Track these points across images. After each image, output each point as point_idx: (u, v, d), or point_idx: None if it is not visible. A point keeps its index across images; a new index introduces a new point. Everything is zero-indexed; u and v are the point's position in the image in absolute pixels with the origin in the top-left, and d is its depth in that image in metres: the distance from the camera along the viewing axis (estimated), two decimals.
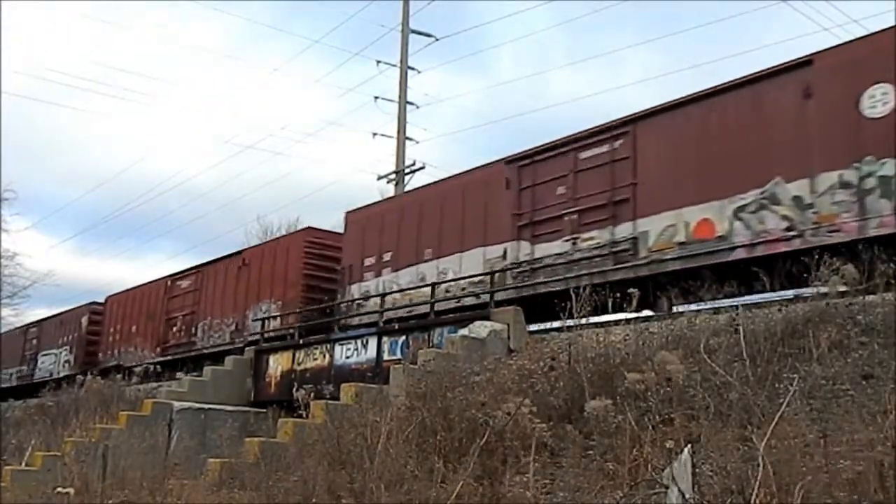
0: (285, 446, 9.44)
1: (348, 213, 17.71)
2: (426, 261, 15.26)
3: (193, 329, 21.24)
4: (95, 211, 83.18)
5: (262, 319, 17.74)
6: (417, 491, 6.71)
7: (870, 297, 8.20)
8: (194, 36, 63.65)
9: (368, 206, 17.75)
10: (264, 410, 14.66)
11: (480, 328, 11.17)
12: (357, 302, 16.43)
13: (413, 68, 24.54)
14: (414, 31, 24.62)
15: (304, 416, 9.80)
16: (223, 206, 55.18)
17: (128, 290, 25.52)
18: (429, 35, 24.80)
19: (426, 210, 15.62)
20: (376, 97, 24.90)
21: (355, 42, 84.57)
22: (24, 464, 12.79)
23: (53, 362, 28.26)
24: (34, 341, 30.19)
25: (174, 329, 22.17)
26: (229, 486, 8.86)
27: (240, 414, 14.99)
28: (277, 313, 17.99)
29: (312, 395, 10.00)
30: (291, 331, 16.30)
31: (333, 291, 17.59)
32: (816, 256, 8.40)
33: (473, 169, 15.27)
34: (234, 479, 9.03)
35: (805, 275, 8.58)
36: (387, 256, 16.13)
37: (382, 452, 7.25)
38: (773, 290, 9.55)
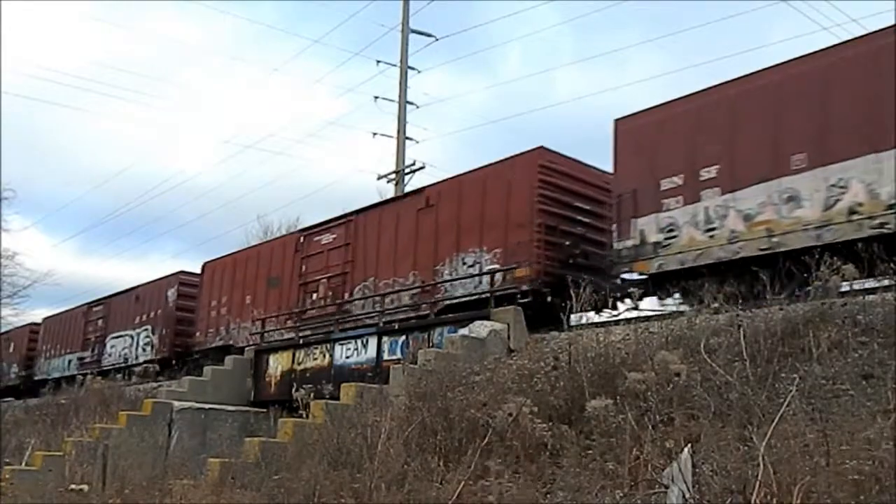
0: (285, 446, 9.43)
1: (617, 120, 12.71)
2: (798, 171, 10.36)
3: (346, 293, 16.45)
4: (96, 210, 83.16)
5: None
6: (418, 490, 6.72)
7: (870, 297, 8.20)
8: (194, 36, 63.68)
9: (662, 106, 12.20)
10: (264, 410, 14.68)
11: (480, 328, 11.18)
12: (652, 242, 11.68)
13: (413, 68, 24.53)
14: (414, 31, 24.60)
15: (305, 416, 9.81)
16: (224, 206, 55.02)
17: (232, 254, 21.42)
18: (429, 35, 24.79)
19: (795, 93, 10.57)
20: (376, 97, 24.87)
21: (356, 42, 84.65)
22: (24, 463, 12.79)
23: (129, 346, 24.12)
24: (100, 322, 25.90)
25: (315, 295, 17.33)
26: (229, 486, 8.85)
27: (240, 414, 15.01)
28: (498, 267, 13.20)
29: (312, 395, 10.02)
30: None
31: (574, 235, 13.41)
32: None
33: None
34: (234, 479, 9.02)
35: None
36: (708, 172, 11.22)
37: (382, 452, 7.25)
38: None
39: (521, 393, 7.89)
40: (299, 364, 15.10)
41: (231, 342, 19.30)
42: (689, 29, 37.44)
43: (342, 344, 14.23)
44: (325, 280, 17.16)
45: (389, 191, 24.01)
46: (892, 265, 8.18)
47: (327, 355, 14.47)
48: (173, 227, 70.57)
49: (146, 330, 23.34)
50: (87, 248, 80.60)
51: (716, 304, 9.09)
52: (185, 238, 71.73)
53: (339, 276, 16.78)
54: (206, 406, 14.78)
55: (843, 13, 45.42)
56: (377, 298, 14.96)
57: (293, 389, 11.18)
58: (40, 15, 61.68)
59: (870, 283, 8.73)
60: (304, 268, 17.85)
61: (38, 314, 31.91)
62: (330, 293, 16.95)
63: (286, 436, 9.82)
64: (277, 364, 15.67)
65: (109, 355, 24.83)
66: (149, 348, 22.82)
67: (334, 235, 17.38)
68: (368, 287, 15.95)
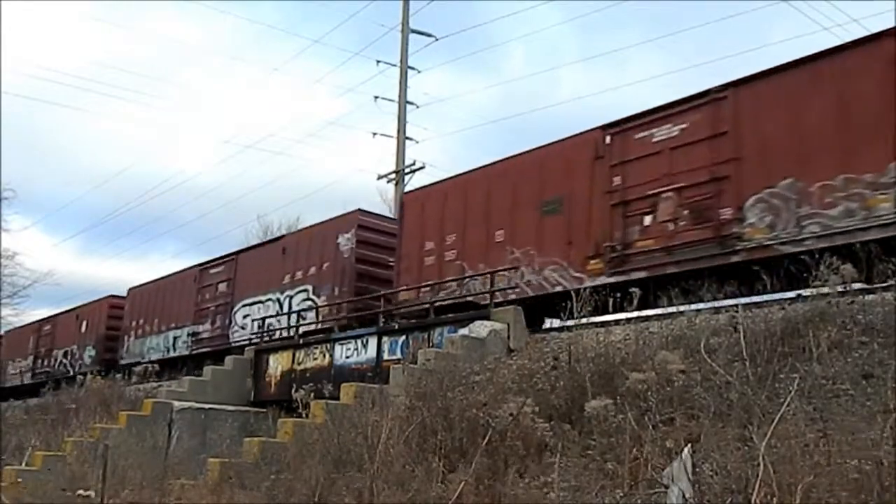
0: (285, 446, 9.43)
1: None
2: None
3: (729, 208, 10.53)
4: (97, 210, 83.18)
5: (264, 318, 17.70)
6: (418, 491, 6.72)
7: (870, 297, 8.20)
8: (194, 36, 63.68)
9: None
10: (264, 410, 14.68)
11: (480, 328, 11.18)
12: None
13: (413, 68, 24.53)
14: (414, 31, 24.61)
15: (305, 415, 9.81)
16: (224, 206, 54.98)
17: (451, 178, 15.27)
18: (429, 35, 24.80)
19: None
20: (376, 97, 24.87)
21: (356, 42, 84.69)
22: (24, 464, 12.78)
23: (275, 312, 18.12)
24: (223, 286, 20.42)
25: (651, 219, 11.47)
26: (229, 486, 8.85)
27: (240, 414, 15.01)
28: None
29: (312, 394, 10.01)
30: None
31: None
32: None
33: None
34: (233, 479, 9.03)
35: None
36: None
37: (383, 452, 7.26)
38: None
39: (521, 393, 7.90)
40: (299, 364, 15.10)
41: (469, 297, 13.49)
42: (690, 29, 37.43)
43: (342, 344, 14.23)
44: (671, 194, 11.21)
45: (389, 190, 24.01)
46: (891, 265, 8.17)
47: (327, 355, 14.48)
48: (173, 227, 70.52)
49: (303, 291, 17.59)
50: (87, 248, 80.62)
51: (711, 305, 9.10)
52: (185, 238, 71.75)
53: (710, 183, 10.79)
54: (206, 406, 14.77)
55: (843, 13, 45.43)
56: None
57: (293, 389, 11.16)
58: (40, 15, 61.72)
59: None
60: (620, 179, 11.88)
61: (38, 314, 31.82)
62: (686, 213, 11.02)
63: (286, 436, 9.82)
64: (277, 364, 15.66)
65: (242, 327, 19.16)
66: (311, 314, 16.83)
67: (684, 124, 11.31)
68: (784, 195, 10.01)
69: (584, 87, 64.13)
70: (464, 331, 11.18)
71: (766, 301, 9.24)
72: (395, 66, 24.54)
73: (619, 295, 9.82)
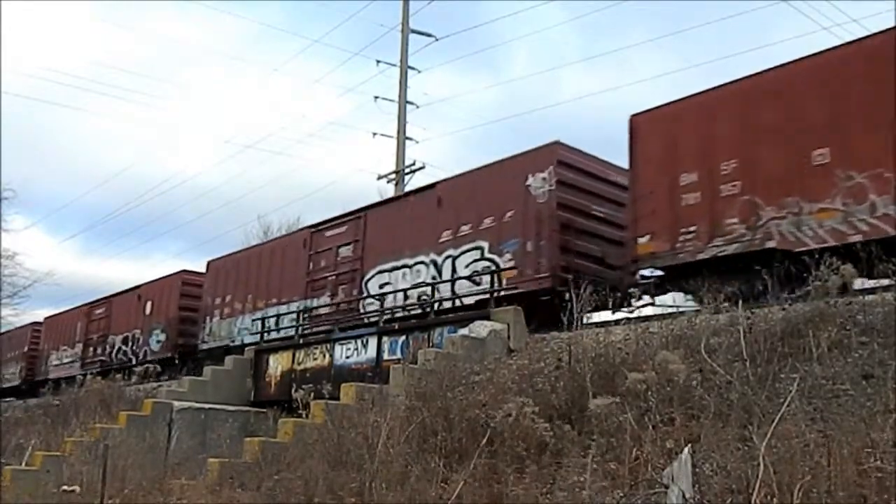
0: (285, 446, 9.43)
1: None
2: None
3: None
4: (97, 210, 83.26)
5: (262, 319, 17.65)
6: (418, 491, 6.72)
7: (870, 297, 8.20)
8: (195, 36, 63.68)
9: None
10: (264, 410, 14.68)
11: (480, 328, 11.18)
12: None
13: (413, 68, 24.53)
14: (414, 31, 24.61)
15: (305, 416, 9.80)
16: (224, 206, 54.98)
17: (712, 90, 11.46)
18: (429, 35, 24.80)
19: None
20: (376, 97, 24.86)
21: (356, 42, 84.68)
22: (24, 463, 12.79)
23: (425, 277, 14.43)
24: (348, 250, 16.45)
25: None
26: (229, 486, 8.85)
27: (240, 414, 15.00)
28: None
29: (312, 394, 10.01)
30: None
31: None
32: None
33: None
34: (234, 479, 9.03)
35: None
36: None
37: (383, 452, 7.26)
38: None
39: (521, 393, 7.90)
40: (299, 364, 15.11)
41: (771, 242, 10.20)
42: (693, 28, 37.40)
43: (342, 344, 14.24)
44: None
45: (389, 190, 23.99)
46: (892, 265, 8.16)
47: (327, 355, 14.48)
48: (173, 227, 70.44)
49: (474, 249, 13.71)
50: (88, 248, 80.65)
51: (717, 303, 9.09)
52: (185, 238, 71.77)
53: None
54: (206, 406, 14.77)
55: (843, 13, 45.41)
56: None
57: (293, 389, 11.16)
58: (40, 15, 61.72)
59: None
60: None
61: (38, 314, 31.73)
62: None
63: (286, 436, 9.82)
64: (277, 364, 15.67)
65: (379, 299, 14.80)
66: (481, 282, 13.20)
67: None
68: None
69: (590, 85, 64.16)
70: (464, 331, 11.19)
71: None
72: (395, 66, 24.56)
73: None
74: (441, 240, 14.33)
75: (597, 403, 6.89)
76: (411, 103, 24.39)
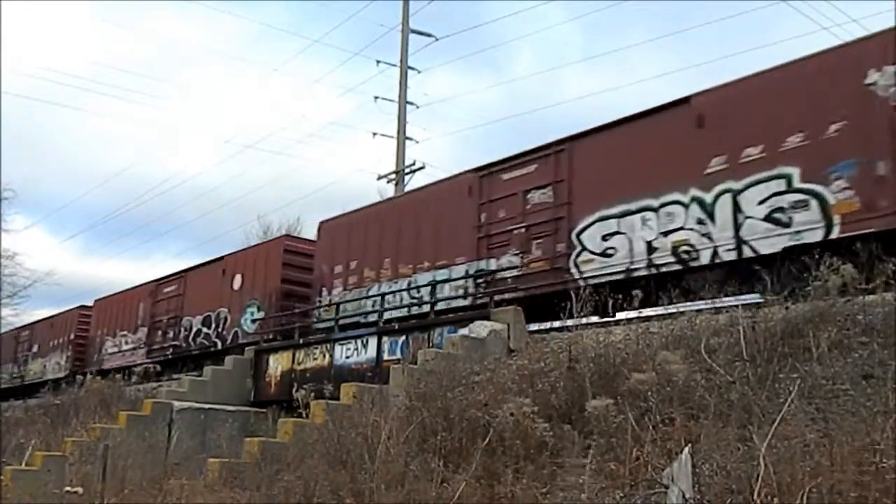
0: (285, 446, 9.43)
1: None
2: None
3: None
4: (98, 210, 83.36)
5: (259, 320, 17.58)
6: (418, 491, 6.72)
7: (870, 297, 8.19)
8: (195, 36, 63.70)
9: None
10: (264, 410, 14.68)
11: (480, 328, 11.17)
12: None
13: (413, 68, 24.54)
14: (414, 31, 24.62)
15: (305, 416, 9.80)
16: (224, 206, 54.97)
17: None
18: (429, 35, 24.80)
19: None
20: (376, 97, 24.86)
21: (356, 42, 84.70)
22: (24, 463, 12.79)
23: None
24: (542, 194, 12.91)
25: None
26: (229, 486, 8.85)
27: (240, 414, 15.00)
28: None
29: (312, 394, 10.02)
30: None
31: None
32: None
33: None
34: (234, 479, 9.03)
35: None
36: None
37: (383, 452, 7.25)
38: None
39: (521, 393, 7.90)
40: (299, 364, 15.11)
41: None
42: (693, 28, 37.42)
43: (342, 344, 14.24)
44: None
45: (390, 191, 23.99)
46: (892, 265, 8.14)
47: (327, 355, 14.48)
48: (173, 227, 70.39)
49: (773, 179, 10.25)
50: (88, 248, 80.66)
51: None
52: (185, 238, 71.80)
53: None
54: (206, 406, 14.77)
55: (843, 13, 45.39)
56: None
57: (293, 389, 11.16)
58: (40, 15, 61.73)
59: None
60: None
61: (38, 314, 31.59)
62: None
63: (286, 436, 9.82)
64: (277, 364, 15.67)
65: (603, 254, 11.98)
66: (799, 216, 9.87)
67: None
68: None
69: (592, 85, 64.16)
70: (464, 331, 11.18)
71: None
72: (395, 66, 24.57)
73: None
74: (709, 170, 10.97)
75: (594, 405, 6.88)
76: (411, 103, 24.41)
